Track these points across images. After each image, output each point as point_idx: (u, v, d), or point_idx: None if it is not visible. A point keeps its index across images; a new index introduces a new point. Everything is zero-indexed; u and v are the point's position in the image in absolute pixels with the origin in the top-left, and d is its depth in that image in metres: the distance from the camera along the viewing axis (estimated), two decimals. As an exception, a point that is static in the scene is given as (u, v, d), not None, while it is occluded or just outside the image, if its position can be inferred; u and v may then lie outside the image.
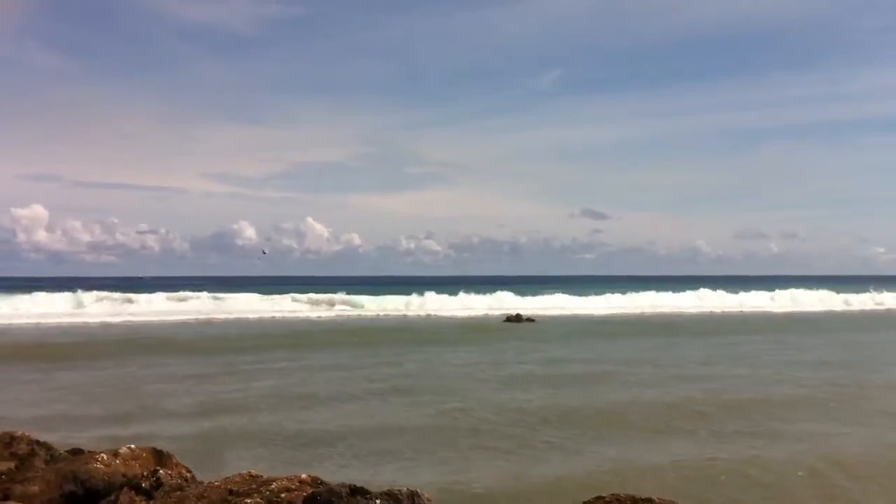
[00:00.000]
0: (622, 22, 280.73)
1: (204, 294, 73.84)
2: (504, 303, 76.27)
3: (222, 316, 60.16)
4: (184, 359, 31.32)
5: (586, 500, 8.11)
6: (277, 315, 62.53)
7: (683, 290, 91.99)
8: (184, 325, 52.19)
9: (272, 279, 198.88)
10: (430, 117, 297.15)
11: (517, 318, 57.76)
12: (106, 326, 49.89)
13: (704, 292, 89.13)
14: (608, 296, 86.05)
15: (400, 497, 7.38)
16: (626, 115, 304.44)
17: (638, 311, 73.56)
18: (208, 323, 54.18)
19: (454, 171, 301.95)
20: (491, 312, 65.94)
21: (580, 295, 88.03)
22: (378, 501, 7.32)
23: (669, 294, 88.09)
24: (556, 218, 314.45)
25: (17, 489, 8.55)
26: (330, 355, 32.57)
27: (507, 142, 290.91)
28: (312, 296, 76.49)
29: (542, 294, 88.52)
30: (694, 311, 74.39)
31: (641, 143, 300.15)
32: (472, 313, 66.30)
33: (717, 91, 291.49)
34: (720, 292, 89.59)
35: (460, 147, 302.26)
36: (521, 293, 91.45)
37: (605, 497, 8.04)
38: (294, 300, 73.46)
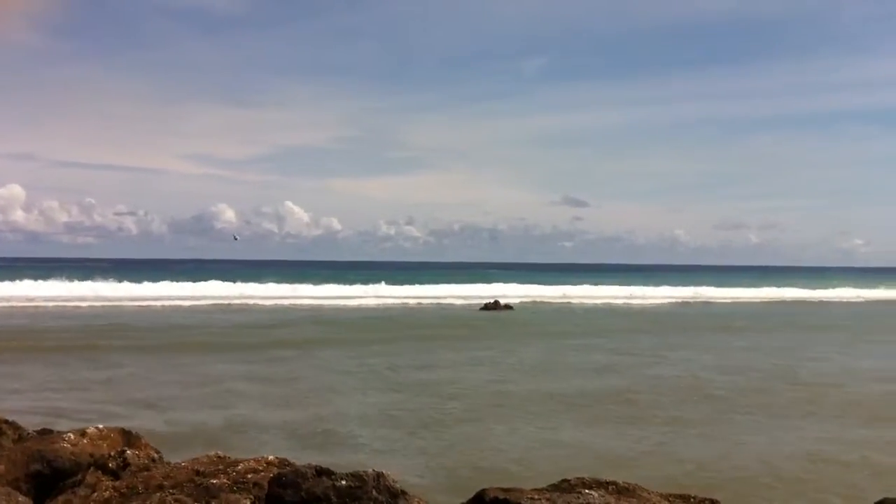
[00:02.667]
0: (610, 8, 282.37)
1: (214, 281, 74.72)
2: (483, 290, 76.53)
3: (267, 302, 59.94)
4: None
5: (554, 482, 8.22)
6: (326, 303, 61.28)
7: (658, 280, 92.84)
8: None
9: (252, 263, 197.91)
10: (415, 102, 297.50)
11: (495, 306, 57.85)
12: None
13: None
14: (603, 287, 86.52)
15: (365, 478, 7.42)
16: (611, 102, 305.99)
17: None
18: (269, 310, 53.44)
19: (437, 157, 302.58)
20: (468, 302, 65.83)
21: (559, 283, 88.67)
22: (343, 482, 7.36)
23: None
24: (538, 205, 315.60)
25: (-16, 468, 8.54)
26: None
27: (492, 128, 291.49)
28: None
29: (522, 280, 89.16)
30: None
31: (626, 131, 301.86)
32: (451, 301, 66.22)
33: (706, 80, 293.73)
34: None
35: (444, 132, 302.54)
36: (501, 280, 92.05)
37: (569, 480, 8.15)
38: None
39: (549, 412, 18.21)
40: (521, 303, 64.20)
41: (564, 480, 8.17)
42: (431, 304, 63.55)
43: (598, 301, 71.53)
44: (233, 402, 19.05)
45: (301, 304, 59.25)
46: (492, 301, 59.77)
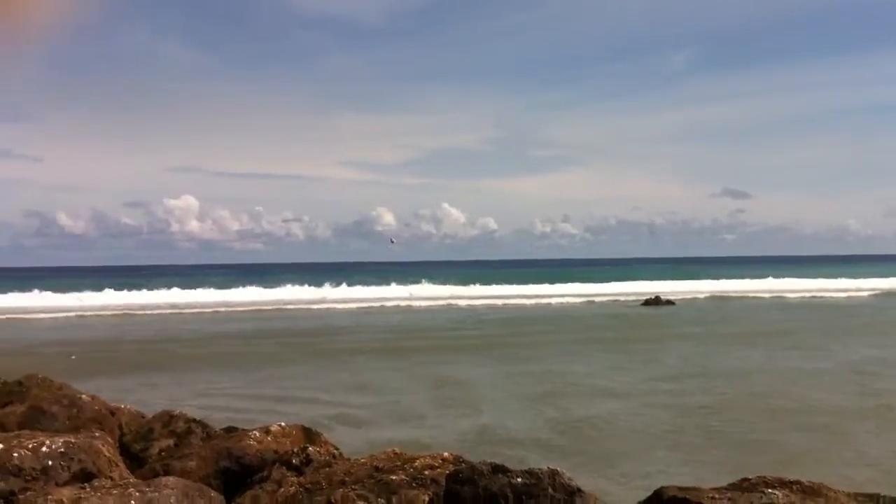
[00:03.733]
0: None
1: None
2: (642, 286, 75.56)
3: (433, 302, 61.12)
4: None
5: (733, 482, 8.00)
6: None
7: (831, 271, 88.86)
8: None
9: (410, 265, 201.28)
10: (558, 99, 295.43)
11: (656, 301, 56.89)
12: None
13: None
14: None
15: (541, 475, 7.44)
16: (764, 91, 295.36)
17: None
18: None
19: (586, 154, 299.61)
20: (628, 298, 64.83)
21: (721, 276, 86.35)
22: (519, 479, 7.40)
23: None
24: (694, 198, 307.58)
25: (176, 465, 9.00)
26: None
27: (639, 122, 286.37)
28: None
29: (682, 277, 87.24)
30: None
31: (782, 119, 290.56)
32: (614, 298, 65.40)
33: (864, 64, 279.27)
34: None
35: (591, 128, 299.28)
36: (660, 275, 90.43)
37: (750, 479, 7.91)
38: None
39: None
40: (683, 298, 62.70)
41: (745, 479, 7.94)
42: (595, 301, 62.84)
43: (767, 294, 69.31)
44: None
45: (463, 305, 59.80)
46: (652, 297, 58.84)
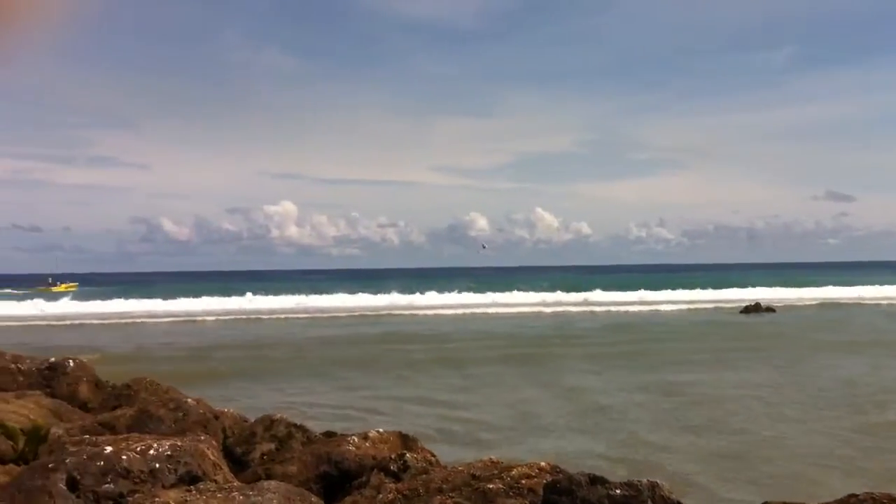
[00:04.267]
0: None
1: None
2: (741, 293, 74.11)
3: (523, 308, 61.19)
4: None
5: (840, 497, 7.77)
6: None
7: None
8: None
9: (504, 270, 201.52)
10: (652, 101, 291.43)
11: (756, 309, 55.62)
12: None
13: None
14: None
15: (640, 487, 7.35)
16: (868, 88, 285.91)
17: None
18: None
19: (683, 156, 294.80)
20: (726, 305, 63.48)
21: (824, 283, 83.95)
22: (618, 491, 7.32)
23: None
24: (795, 201, 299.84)
25: (278, 469, 9.20)
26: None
27: (736, 123, 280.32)
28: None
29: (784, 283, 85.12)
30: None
31: (888, 118, 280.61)
32: (704, 306, 64.09)
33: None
34: None
35: (688, 130, 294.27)
36: (759, 281, 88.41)
37: (857, 495, 7.67)
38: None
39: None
40: (785, 305, 61.06)
41: (852, 495, 7.70)
42: (695, 308, 61.75)
43: (872, 301, 67.06)
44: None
45: (560, 311, 59.47)
46: (752, 304, 57.55)
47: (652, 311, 58.62)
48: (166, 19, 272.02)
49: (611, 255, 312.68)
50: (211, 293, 72.81)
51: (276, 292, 74.75)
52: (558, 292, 75.83)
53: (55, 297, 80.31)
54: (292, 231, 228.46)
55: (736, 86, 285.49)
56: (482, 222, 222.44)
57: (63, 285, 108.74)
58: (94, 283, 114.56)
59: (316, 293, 74.54)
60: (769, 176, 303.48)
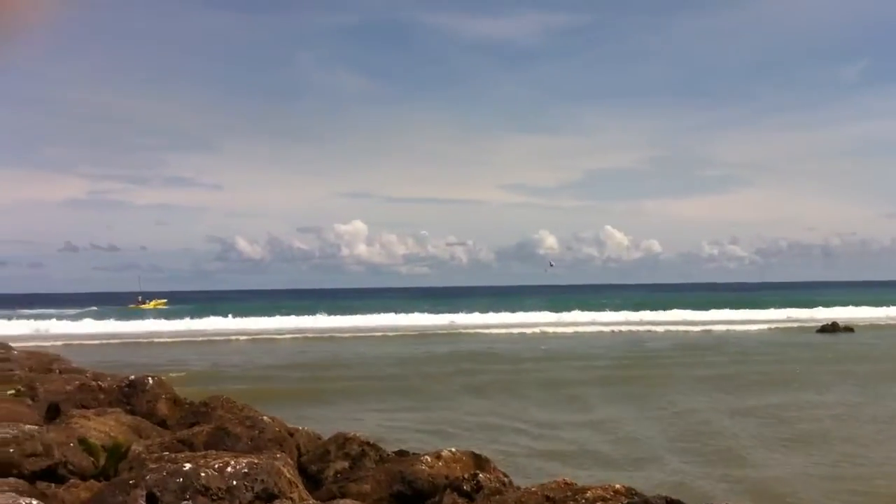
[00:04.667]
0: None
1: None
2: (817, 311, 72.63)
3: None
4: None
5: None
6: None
7: None
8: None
9: (573, 289, 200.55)
10: (721, 117, 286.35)
11: (833, 328, 54.28)
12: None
13: None
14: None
15: (718, 511, 7.24)
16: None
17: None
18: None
19: (755, 172, 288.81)
20: (801, 324, 61.93)
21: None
22: (695, 514, 7.22)
23: None
24: (871, 218, 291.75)
25: (352, 488, 9.25)
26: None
27: (808, 138, 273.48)
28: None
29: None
30: None
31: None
32: (773, 325, 62.43)
33: None
34: None
35: (758, 146, 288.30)
36: (835, 300, 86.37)
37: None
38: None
39: None
40: (863, 325, 59.32)
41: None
42: (770, 327, 59.83)
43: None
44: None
45: (638, 330, 58.74)
46: (829, 323, 56.21)
47: (727, 330, 57.23)
48: (241, 42, 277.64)
49: (682, 273, 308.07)
50: (285, 311, 74.05)
51: (347, 311, 75.58)
52: (632, 311, 75.15)
53: (145, 314, 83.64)
54: (362, 249, 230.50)
55: (808, 101, 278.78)
56: (550, 240, 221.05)
57: (152, 302, 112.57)
58: (172, 301, 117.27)
59: (388, 311, 75.07)
60: (845, 192, 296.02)
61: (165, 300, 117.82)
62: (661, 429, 19.45)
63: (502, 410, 22.24)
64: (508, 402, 23.83)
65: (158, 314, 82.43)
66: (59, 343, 46.27)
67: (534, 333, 55.80)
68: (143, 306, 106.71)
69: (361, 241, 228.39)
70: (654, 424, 20.00)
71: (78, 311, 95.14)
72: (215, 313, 71.53)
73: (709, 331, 56.77)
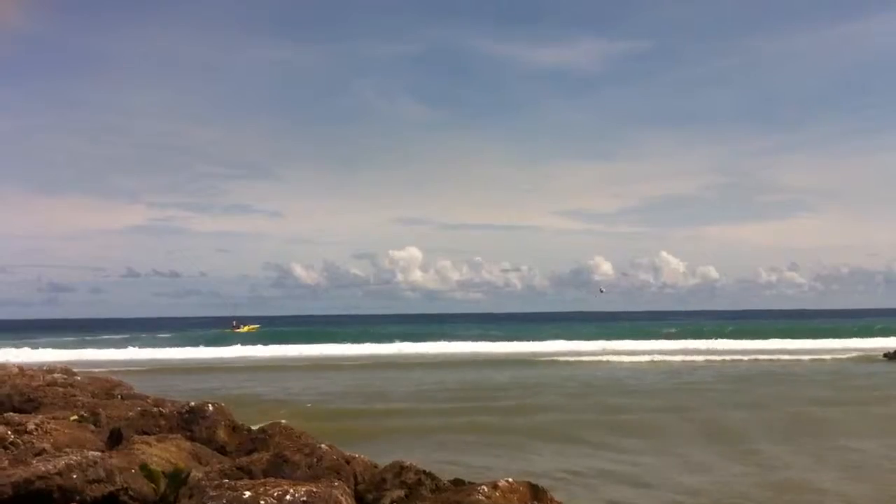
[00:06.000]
0: None
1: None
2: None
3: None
4: None
5: None
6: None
7: None
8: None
9: (629, 314, 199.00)
10: (783, 142, 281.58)
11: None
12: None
13: None
14: None
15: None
16: None
17: None
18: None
19: (815, 198, 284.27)
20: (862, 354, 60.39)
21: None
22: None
23: None
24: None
25: (409, 516, 9.24)
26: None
27: (874, 163, 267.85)
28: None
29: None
30: None
31: None
32: (838, 356, 60.25)
33: None
34: None
35: (820, 172, 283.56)
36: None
37: None
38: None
39: None
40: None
41: None
42: (839, 357, 57.43)
43: None
44: None
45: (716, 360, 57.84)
46: (892, 351, 55.10)
47: (794, 359, 55.25)
48: (302, 71, 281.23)
49: (740, 300, 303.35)
50: (342, 339, 75.83)
51: (406, 337, 76.63)
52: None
53: (239, 338, 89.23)
54: (417, 276, 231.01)
55: (871, 126, 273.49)
56: (606, 266, 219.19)
57: (246, 327, 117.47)
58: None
59: (437, 339, 76.22)
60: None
61: (258, 325, 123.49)
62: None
63: (594, 450, 20.76)
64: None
65: (253, 338, 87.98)
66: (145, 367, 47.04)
67: (587, 361, 55.25)
68: (238, 330, 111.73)
69: (416, 267, 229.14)
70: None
71: (167, 335, 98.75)
72: (283, 340, 73.75)
73: (778, 360, 54.76)
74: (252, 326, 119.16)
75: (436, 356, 61.31)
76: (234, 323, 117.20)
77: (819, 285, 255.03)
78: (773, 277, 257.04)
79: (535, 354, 62.38)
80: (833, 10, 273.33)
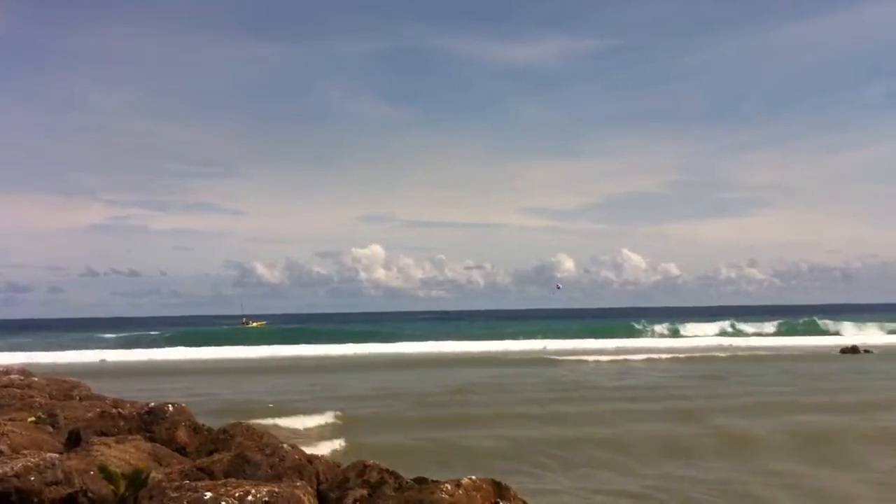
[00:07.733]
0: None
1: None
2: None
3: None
4: None
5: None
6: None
7: None
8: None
9: (591, 311, 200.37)
10: (745, 140, 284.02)
11: (853, 351, 54.10)
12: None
13: None
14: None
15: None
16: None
17: None
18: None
19: (776, 195, 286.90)
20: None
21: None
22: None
23: None
24: (894, 241, 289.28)
25: (371, 515, 9.22)
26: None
27: (834, 161, 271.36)
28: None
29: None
30: None
31: None
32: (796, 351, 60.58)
33: None
34: None
35: (781, 169, 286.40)
36: (857, 323, 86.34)
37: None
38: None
39: None
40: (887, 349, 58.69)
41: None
42: (794, 352, 58.18)
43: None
44: None
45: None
46: (849, 347, 56.07)
47: (751, 356, 55.81)
48: (264, 69, 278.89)
49: (700, 296, 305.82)
50: (310, 338, 76.19)
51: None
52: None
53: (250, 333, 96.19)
54: (380, 273, 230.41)
55: (831, 122, 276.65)
56: (568, 264, 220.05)
57: (256, 323, 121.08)
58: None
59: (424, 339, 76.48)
60: (866, 215, 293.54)
61: (266, 321, 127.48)
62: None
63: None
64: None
65: (263, 336, 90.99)
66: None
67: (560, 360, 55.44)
68: (247, 326, 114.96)
69: (379, 265, 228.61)
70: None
71: (123, 334, 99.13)
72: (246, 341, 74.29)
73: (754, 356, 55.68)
74: (261, 323, 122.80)
75: (396, 356, 61.09)
76: (244, 320, 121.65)
77: (778, 281, 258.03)
78: (733, 273, 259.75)
79: (488, 353, 62.37)
80: (794, 9, 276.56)
